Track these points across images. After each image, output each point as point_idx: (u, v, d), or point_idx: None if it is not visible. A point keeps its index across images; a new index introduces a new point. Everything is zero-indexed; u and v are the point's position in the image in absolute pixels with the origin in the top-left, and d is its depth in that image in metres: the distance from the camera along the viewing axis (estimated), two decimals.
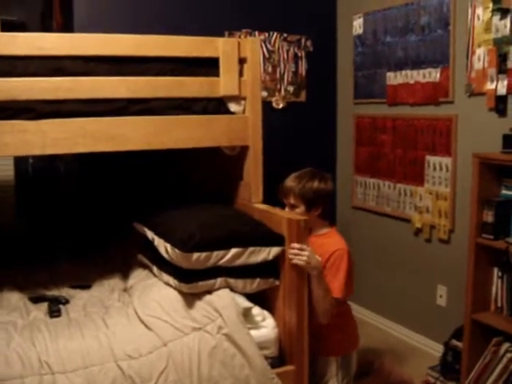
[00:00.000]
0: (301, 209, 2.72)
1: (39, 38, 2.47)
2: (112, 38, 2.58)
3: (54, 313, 2.67)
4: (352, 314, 2.94)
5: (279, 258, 2.60)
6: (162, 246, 2.62)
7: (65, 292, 2.99)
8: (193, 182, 3.56)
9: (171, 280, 2.60)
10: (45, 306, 2.77)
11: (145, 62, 2.64)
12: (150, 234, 2.81)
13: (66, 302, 2.84)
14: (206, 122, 2.74)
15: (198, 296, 2.56)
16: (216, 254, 2.50)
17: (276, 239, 2.59)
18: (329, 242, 2.73)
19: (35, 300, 2.85)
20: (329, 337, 2.75)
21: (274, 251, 2.59)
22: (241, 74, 2.83)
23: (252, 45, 2.83)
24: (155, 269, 2.79)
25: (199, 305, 2.54)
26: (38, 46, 2.44)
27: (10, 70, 2.41)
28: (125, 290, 2.95)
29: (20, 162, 4.15)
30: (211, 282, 2.55)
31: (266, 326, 2.59)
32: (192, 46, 2.73)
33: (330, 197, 2.84)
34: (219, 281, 2.56)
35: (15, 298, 2.87)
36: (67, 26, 3.79)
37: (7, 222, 4.08)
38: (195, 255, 2.44)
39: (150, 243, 2.80)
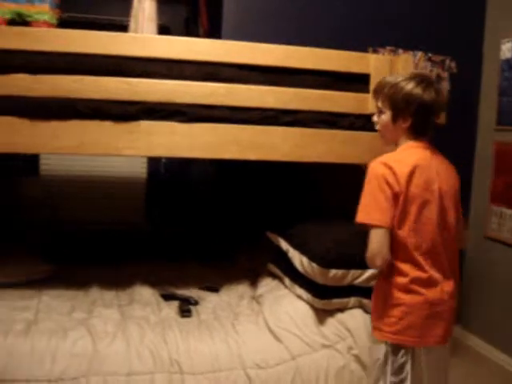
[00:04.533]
0: (387, 116, 2.13)
1: (195, 43, 2.54)
2: (265, 48, 2.60)
3: (184, 312, 2.73)
4: (428, 278, 2.01)
5: None
6: (297, 259, 2.61)
7: (194, 293, 3.05)
8: (328, 197, 3.52)
9: (304, 294, 2.58)
10: (175, 304, 2.84)
11: (295, 73, 2.63)
12: (284, 245, 2.81)
13: (196, 303, 2.89)
14: (351, 139, 2.70)
15: (330, 313, 2.54)
16: (353, 272, 2.47)
17: None
18: None
19: (166, 297, 2.92)
20: (374, 304, 2.14)
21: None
22: None
23: (404, 63, 2.75)
24: (287, 280, 2.78)
25: (330, 322, 2.51)
26: (195, 50, 2.50)
27: (167, 72, 2.48)
28: (253, 297, 2.96)
29: (153, 161, 4.27)
30: (345, 300, 2.52)
31: None
32: (343, 60, 2.70)
33: (430, 111, 2.13)
34: (353, 300, 2.53)
35: (148, 293, 2.96)
36: (213, 33, 3.86)
37: (138, 219, 4.21)
38: (332, 272, 2.42)
39: (283, 254, 2.80)
